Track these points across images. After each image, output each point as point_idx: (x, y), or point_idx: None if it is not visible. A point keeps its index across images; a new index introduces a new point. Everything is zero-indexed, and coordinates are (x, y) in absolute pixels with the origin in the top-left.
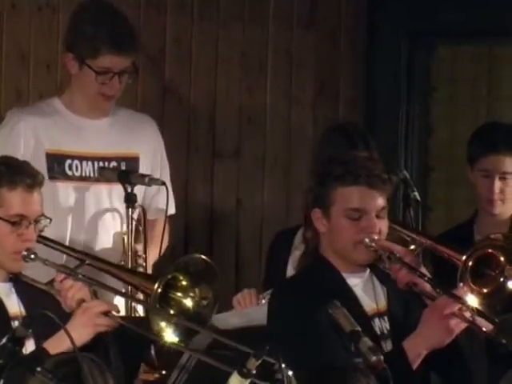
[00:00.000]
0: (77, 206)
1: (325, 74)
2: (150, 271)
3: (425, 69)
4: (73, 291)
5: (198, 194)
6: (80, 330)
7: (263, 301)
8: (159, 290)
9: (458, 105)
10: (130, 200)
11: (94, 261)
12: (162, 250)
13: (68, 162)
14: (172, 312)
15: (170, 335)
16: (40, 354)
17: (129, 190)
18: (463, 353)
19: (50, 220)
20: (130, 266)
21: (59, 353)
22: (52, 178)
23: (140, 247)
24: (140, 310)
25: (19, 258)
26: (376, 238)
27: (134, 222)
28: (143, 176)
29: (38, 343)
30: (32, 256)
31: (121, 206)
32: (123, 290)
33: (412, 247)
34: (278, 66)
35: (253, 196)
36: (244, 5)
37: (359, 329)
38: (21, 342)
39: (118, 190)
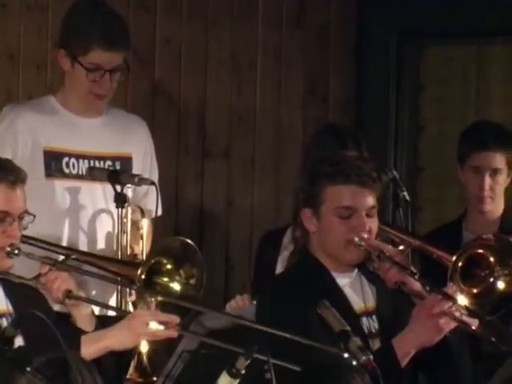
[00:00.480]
0: (73, 204)
1: (314, 74)
2: None
3: (414, 68)
4: (58, 282)
5: (188, 193)
6: (123, 335)
7: None
8: (143, 276)
9: (447, 104)
10: (119, 200)
11: (79, 254)
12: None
13: (65, 159)
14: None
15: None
16: (29, 353)
17: (119, 189)
18: (451, 352)
19: (34, 217)
20: None
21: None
22: (49, 175)
23: (137, 247)
24: (130, 307)
25: (3, 254)
26: (366, 236)
27: (128, 222)
28: (133, 176)
29: (27, 341)
30: (16, 251)
31: (114, 205)
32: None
33: (401, 248)
34: (268, 65)
35: (243, 196)
36: (233, 4)
37: (349, 328)
38: (10, 342)
39: (111, 189)
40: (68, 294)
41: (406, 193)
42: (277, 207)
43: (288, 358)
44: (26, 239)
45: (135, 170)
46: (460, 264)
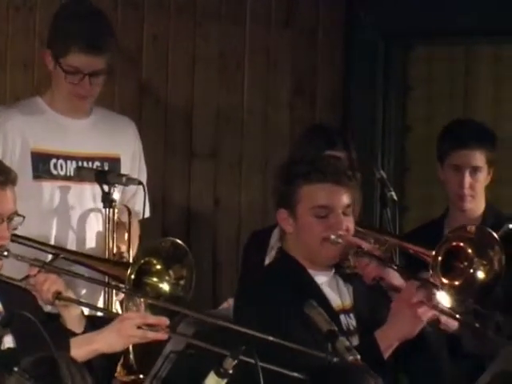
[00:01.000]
0: (61, 205)
1: (302, 74)
2: None
3: (401, 68)
4: (47, 284)
5: (175, 193)
6: (113, 338)
7: None
8: (132, 276)
9: (434, 104)
10: (107, 200)
11: (68, 254)
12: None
13: (53, 161)
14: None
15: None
16: (17, 353)
17: (106, 190)
18: (430, 352)
19: (24, 218)
20: None
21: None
22: (37, 177)
23: (124, 247)
24: (117, 305)
25: None
26: (342, 233)
27: (114, 222)
28: (120, 176)
29: (18, 340)
30: (5, 253)
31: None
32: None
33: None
34: (256, 65)
35: (230, 196)
36: (221, 4)
37: (336, 328)
38: None
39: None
40: (58, 296)
41: (393, 192)
42: (264, 207)
43: (274, 359)
44: (15, 238)
45: (123, 171)
46: (440, 258)
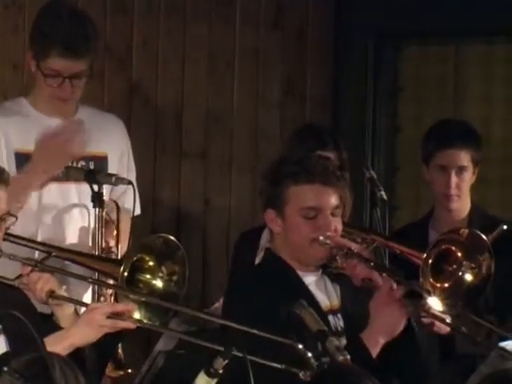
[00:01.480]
0: (46, 203)
1: (292, 74)
2: None
3: (392, 69)
4: (41, 283)
5: (165, 194)
6: (85, 330)
7: None
8: (125, 273)
9: (424, 104)
10: (97, 199)
11: (60, 252)
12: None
13: None
14: (142, 292)
15: (142, 315)
16: (7, 353)
17: (95, 189)
18: (419, 354)
19: (16, 218)
20: None
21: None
22: None
23: (112, 242)
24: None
25: None
26: (330, 234)
27: (103, 220)
28: (110, 175)
29: (10, 340)
30: None
31: (90, 204)
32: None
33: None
34: (245, 66)
35: (220, 196)
36: (211, 5)
37: (326, 328)
38: None
39: (87, 188)
40: (51, 295)
41: (383, 192)
42: (254, 207)
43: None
44: (7, 236)
45: (111, 170)
46: (430, 261)
